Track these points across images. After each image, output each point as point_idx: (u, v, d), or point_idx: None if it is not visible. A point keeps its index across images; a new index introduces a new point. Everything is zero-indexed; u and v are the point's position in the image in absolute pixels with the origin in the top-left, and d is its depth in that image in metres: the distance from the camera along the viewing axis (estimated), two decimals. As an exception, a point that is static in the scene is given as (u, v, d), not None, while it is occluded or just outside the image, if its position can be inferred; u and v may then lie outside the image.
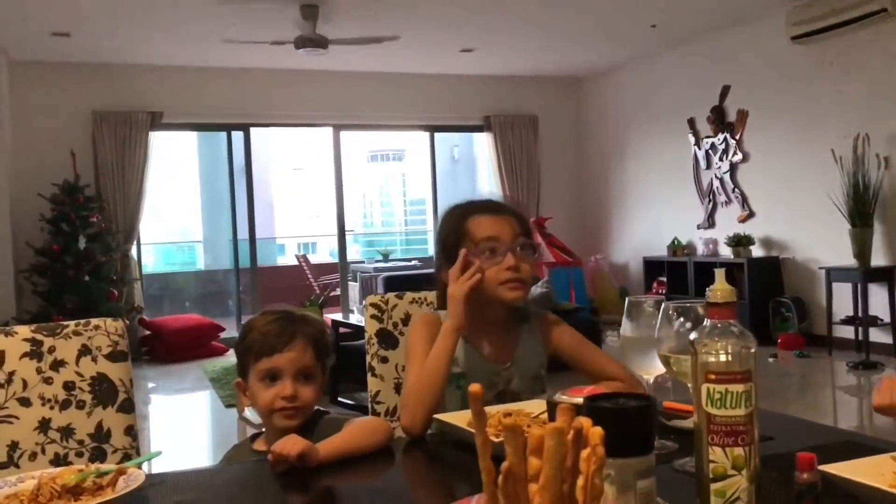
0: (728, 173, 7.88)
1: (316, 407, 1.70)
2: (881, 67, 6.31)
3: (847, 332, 6.65)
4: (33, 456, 1.57)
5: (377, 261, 9.88)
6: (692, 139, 8.28)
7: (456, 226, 1.77)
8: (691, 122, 8.26)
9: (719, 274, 1.00)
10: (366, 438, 1.48)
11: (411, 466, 1.58)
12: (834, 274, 6.56)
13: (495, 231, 1.72)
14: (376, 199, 21.77)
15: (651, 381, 1.39)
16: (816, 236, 6.99)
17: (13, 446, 1.56)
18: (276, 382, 1.61)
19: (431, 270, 1.92)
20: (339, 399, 5.40)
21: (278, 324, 1.64)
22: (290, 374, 1.60)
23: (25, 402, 1.58)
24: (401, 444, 1.59)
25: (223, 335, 8.20)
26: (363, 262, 10.22)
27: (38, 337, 1.62)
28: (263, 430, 1.70)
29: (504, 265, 1.69)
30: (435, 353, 1.67)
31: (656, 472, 0.88)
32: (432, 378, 1.64)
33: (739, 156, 7.73)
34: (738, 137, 7.73)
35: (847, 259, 6.43)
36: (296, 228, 18.50)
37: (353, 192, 16.21)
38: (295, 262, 12.41)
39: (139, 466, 1.32)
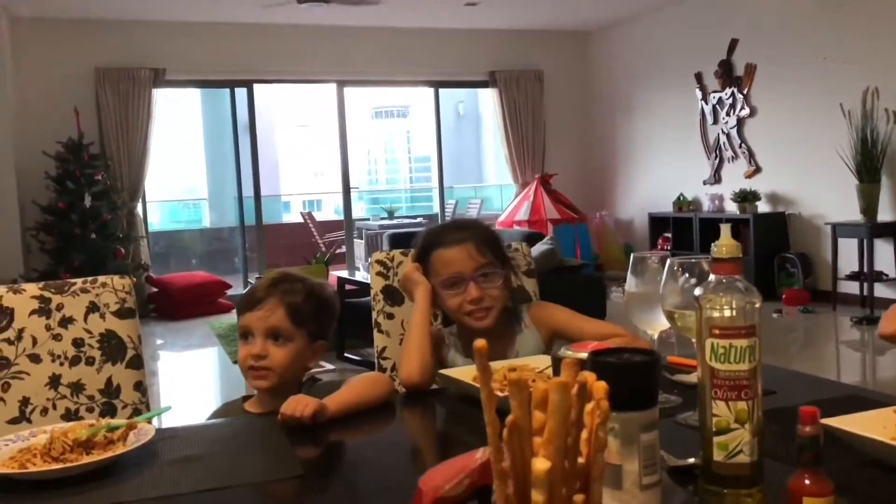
0: (735, 128, 7.82)
1: (309, 373, 1.72)
2: (892, 21, 6.22)
3: (852, 287, 6.65)
4: (45, 411, 1.59)
5: (382, 218, 9.90)
6: (699, 94, 8.20)
7: (423, 256, 1.83)
8: (698, 77, 8.18)
9: (725, 229, 1.00)
10: (371, 390, 1.52)
11: (412, 421, 1.61)
12: (840, 229, 6.55)
13: (455, 266, 1.77)
14: (381, 156, 21.70)
15: (656, 336, 1.40)
16: (823, 192, 6.96)
17: (25, 402, 1.58)
18: (248, 340, 1.64)
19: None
20: (346, 355, 5.44)
21: (262, 283, 1.69)
22: (260, 333, 1.63)
23: (35, 359, 1.60)
24: (400, 399, 1.62)
25: (230, 292, 8.25)
26: (368, 219, 10.25)
27: (47, 294, 1.63)
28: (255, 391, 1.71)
29: (467, 298, 1.75)
30: (415, 318, 1.75)
31: (659, 426, 0.89)
32: (418, 329, 1.72)
33: (747, 111, 7.66)
34: (745, 92, 7.65)
35: (853, 214, 6.41)
36: (301, 186, 18.48)
37: (358, 150, 16.14)
38: (300, 220, 12.40)
39: (149, 421, 1.34)
